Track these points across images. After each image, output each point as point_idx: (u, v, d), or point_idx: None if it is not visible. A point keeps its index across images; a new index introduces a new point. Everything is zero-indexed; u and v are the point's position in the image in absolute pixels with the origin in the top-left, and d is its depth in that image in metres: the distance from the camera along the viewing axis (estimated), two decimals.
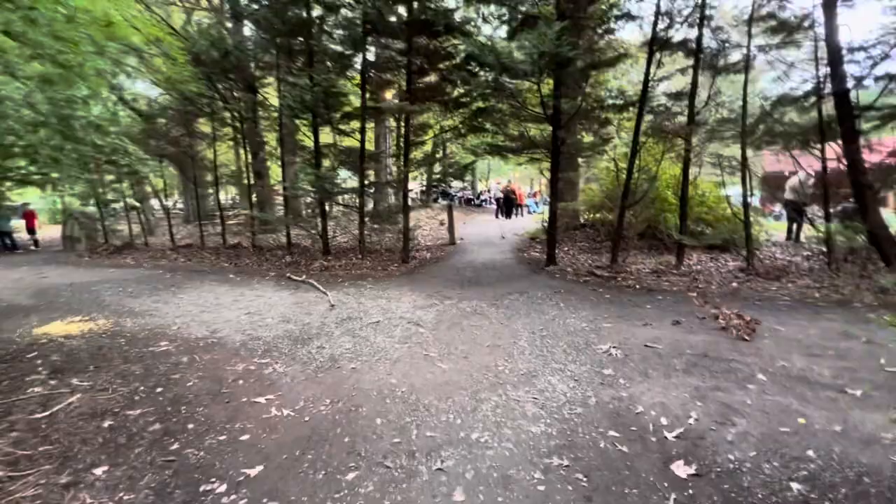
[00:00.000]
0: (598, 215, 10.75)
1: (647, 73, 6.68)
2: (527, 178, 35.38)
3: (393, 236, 9.90)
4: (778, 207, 12.95)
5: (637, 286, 6.13)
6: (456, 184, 27.50)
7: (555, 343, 4.19)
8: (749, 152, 8.61)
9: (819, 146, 6.58)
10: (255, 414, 3.05)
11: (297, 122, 9.22)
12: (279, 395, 3.32)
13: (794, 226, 9.82)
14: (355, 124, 10.07)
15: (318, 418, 2.95)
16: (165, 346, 4.44)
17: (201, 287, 7.16)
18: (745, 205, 6.67)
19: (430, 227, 13.36)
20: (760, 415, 2.79)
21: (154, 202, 15.77)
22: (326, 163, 10.52)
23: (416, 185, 26.00)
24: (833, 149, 6.61)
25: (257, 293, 6.64)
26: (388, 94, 10.31)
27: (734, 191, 10.40)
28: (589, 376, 3.46)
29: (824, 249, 7.10)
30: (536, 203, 21.35)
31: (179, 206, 19.27)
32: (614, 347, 4.00)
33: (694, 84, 6.75)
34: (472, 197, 22.55)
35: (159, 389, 3.45)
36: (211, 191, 13.31)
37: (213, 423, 2.93)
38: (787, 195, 9.96)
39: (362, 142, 8.87)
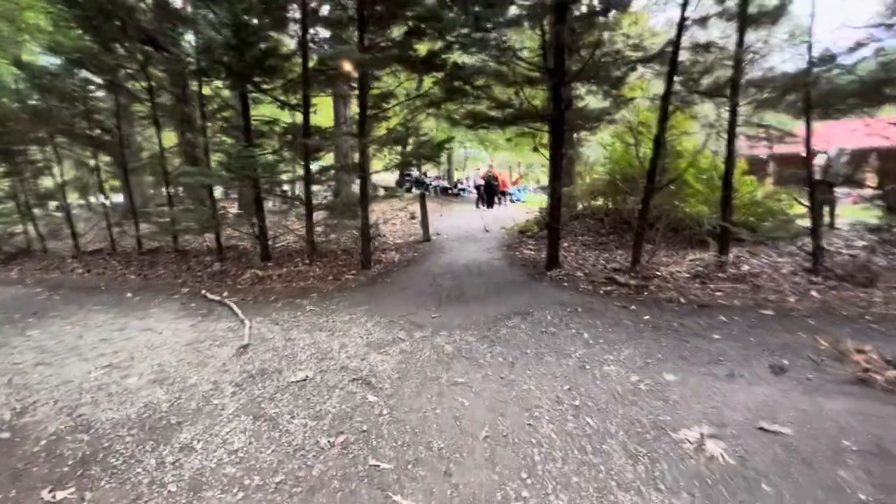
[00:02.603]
0: (600, 202, 9.06)
1: (684, 5, 4.91)
2: (505, 164, 33.70)
3: (354, 234, 7.96)
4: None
5: (681, 299, 4.42)
6: (431, 172, 25.53)
7: (601, 426, 2.41)
8: (784, 119, 7.08)
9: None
10: None
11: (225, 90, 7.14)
12: None
13: (827, 210, 8.38)
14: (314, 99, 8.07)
15: None
16: None
17: (73, 316, 5.08)
18: (812, 185, 5.05)
19: (400, 220, 11.44)
20: None
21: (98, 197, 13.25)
22: (273, 144, 8.51)
23: (386, 173, 23.95)
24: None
25: (146, 325, 4.63)
26: (347, 65, 8.29)
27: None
28: None
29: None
30: (520, 190, 19.63)
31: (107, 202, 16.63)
32: (711, 437, 2.25)
33: (742, 24, 5.03)
34: (448, 186, 20.63)
35: None
36: (148, 180, 11.07)
37: None
38: (816, 176, 8.51)
39: (305, 114, 6.85)
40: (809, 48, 4.90)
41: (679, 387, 2.78)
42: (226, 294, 5.67)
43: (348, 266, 6.87)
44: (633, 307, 4.33)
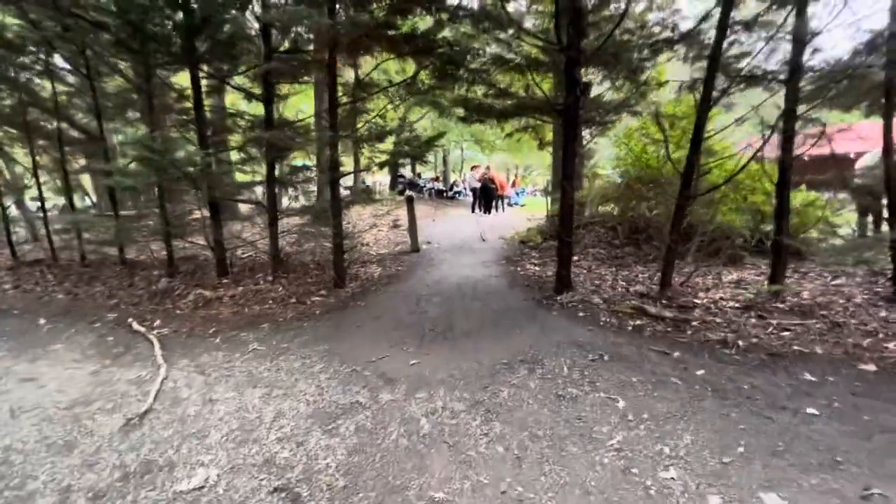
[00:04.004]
0: (609, 208, 8.01)
1: None
2: (503, 166, 32.68)
3: (327, 245, 6.85)
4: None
5: (740, 342, 3.34)
6: (427, 174, 24.42)
7: None
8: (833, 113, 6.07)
9: None
10: None
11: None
12: None
13: (869, 219, 7.35)
14: (285, 88, 7.01)
15: None
16: None
17: None
18: (893, 191, 4.00)
19: (387, 225, 10.32)
20: None
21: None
22: (236, 139, 7.50)
23: (381, 175, 22.96)
24: None
25: (33, 371, 3.51)
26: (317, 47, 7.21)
27: None
28: None
29: None
30: (518, 193, 18.59)
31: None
32: None
33: None
34: (444, 189, 19.53)
35: None
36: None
37: None
38: (858, 180, 7.50)
39: (268, 104, 5.78)
40: (893, 15, 3.85)
41: None
42: (158, 323, 4.56)
43: (318, 284, 5.78)
44: (676, 353, 3.25)
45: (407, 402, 2.75)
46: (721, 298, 4.26)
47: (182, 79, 7.36)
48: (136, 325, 4.41)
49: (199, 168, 4.47)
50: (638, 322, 3.87)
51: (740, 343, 3.31)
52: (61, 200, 11.27)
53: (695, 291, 4.53)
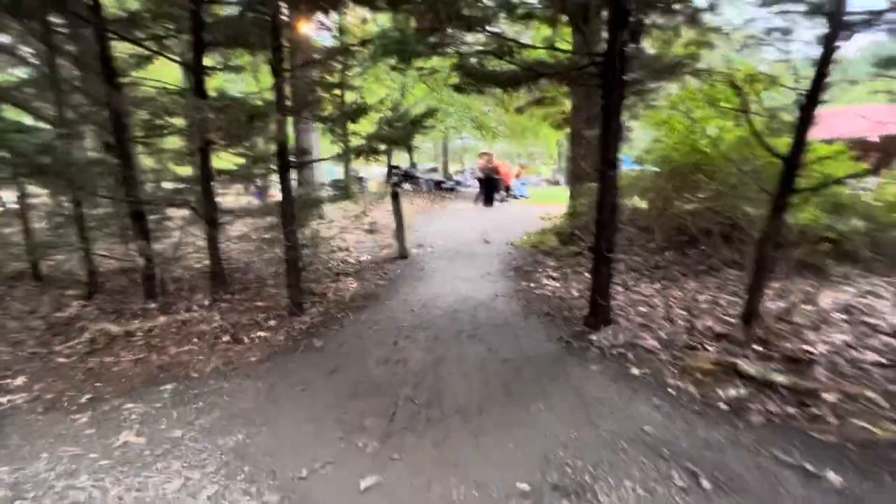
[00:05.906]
0: (644, 204, 6.54)
1: None
2: (504, 154, 31.05)
3: (307, 252, 5.39)
4: None
5: None
6: (426, 163, 22.88)
7: None
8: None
9: None
10: None
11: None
12: None
13: None
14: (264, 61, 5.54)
15: None
16: None
17: None
18: None
19: (368, 226, 8.87)
20: None
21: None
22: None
23: (376, 166, 21.52)
24: None
25: None
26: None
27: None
28: None
29: None
30: (522, 184, 17.04)
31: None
32: None
33: None
34: (442, 180, 18.00)
35: None
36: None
37: None
38: None
39: (197, 71, 4.34)
40: None
41: None
42: (21, 381, 3.19)
43: (270, 309, 4.38)
44: (834, 475, 1.84)
45: None
46: (847, 344, 2.84)
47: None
48: None
49: (57, 156, 3.05)
50: (731, 392, 2.45)
51: None
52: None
53: (796, 329, 3.11)
